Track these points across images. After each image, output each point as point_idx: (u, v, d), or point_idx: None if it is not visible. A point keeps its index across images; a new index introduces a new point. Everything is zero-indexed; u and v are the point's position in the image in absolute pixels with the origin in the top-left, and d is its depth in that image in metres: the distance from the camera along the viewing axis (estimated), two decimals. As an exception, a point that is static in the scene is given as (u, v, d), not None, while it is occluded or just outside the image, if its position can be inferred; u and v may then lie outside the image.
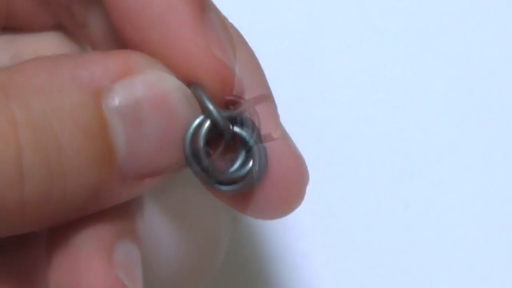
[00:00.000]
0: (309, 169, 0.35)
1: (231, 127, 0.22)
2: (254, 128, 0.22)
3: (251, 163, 0.22)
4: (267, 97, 0.23)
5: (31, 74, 0.20)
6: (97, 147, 0.20)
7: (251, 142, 0.22)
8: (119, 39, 0.22)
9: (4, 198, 0.20)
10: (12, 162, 0.19)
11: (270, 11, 0.37)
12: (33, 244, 0.25)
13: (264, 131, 0.22)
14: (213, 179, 0.22)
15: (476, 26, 0.37)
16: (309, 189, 0.35)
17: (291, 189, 0.23)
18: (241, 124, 0.22)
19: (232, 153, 0.22)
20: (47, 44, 0.26)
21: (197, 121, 0.21)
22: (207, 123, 0.21)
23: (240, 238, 0.34)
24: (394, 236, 0.35)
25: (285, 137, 0.23)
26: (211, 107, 0.21)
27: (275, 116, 0.23)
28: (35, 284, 0.25)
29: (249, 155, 0.22)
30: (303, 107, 0.36)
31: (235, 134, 0.22)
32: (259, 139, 0.22)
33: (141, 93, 0.21)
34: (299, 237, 0.34)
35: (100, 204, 0.21)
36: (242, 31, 0.36)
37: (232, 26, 0.24)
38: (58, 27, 0.26)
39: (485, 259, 0.35)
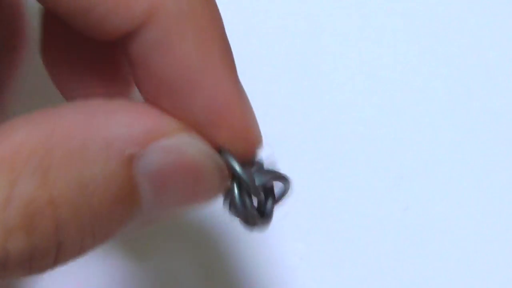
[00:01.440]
0: (309, 170, 0.35)
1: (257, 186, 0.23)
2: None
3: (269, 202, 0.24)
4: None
5: (65, 141, 0.21)
6: (125, 209, 0.21)
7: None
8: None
9: (40, 263, 0.20)
10: (50, 238, 0.20)
11: (269, 12, 0.37)
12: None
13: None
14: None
15: (475, 27, 0.37)
16: (309, 190, 0.35)
17: (244, 153, 0.23)
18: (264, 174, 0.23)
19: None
20: None
21: (235, 191, 0.23)
22: (237, 192, 0.23)
23: (237, 239, 0.34)
24: (394, 238, 0.35)
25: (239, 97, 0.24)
26: (244, 177, 0.23)
27: (234, 74, 0.24)
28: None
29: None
30: (302, 109, 0.36)
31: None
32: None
33: (172, 160, 0.21)
34: (298, 238, 0.34)
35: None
36: (242, 33, 0.36)
37: None
38: None
39: (485, 260, 0.35)
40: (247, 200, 0.23)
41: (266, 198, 0.24)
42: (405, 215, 0.35)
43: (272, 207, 0.24)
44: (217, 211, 0.34)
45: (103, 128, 0.21)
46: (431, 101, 0.36)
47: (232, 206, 0.23)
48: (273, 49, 0.36)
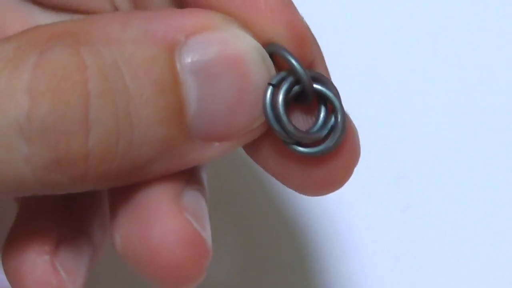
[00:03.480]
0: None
1: (316, 86, 0.21)
2: (335, 89, 0.21)
3: (331, 123, 0.21)
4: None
5: (104, 24, 0.20)
6: (167, 102, 0.20)
7: (335, 99, 0.21)
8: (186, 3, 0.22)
9: (68, 144, 0.19)
10: (78, 107, 0.19)
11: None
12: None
13: None
14: (292, 140, 0.21)
15: (476, 27, 0.37)
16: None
17: (345, 164, 0.22)
18: (322, 83, 0.21)
19: (312, 114, 0.22)
20: None
21: (279, 76, 0.21)
22: (289, 79, 0.21)
23: (238, 238, 0.34)
24: (394, 238, 0.35)
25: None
26: (295, 62, 0.20)
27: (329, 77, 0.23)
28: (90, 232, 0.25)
29: (330, 115, 0.21)
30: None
31: (317, 92, 0.21)
32: (339, 98, 0.21)
33: (216, 50, 0.20)
34: (297, 238, 0.34)
35: (165, 167, 0.21)
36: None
37: None
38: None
39: (485, 260, 0.35)
40: (281, 100, 0.21)
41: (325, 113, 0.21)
42: (405, 215, 0.35)
43: (330, 121, 0.21)
44: (215, 214, 0.34)
45: (144, 17, 0.20)
46: (432, 100, 0.36)
47: (264, 106, 0.21)
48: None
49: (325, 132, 0.21)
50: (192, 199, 0.22)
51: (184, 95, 0.20)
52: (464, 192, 0.35)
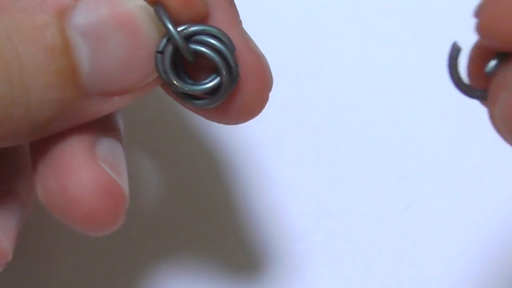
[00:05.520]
0: (309, 169, 0.35)
1: (193, 47, 0.22)
2: (223, 42, 0.22)
3: (218, 78, 0.22)
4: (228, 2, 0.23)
5: None
6: (58, 66, 0.21)
7: (213, 56, 0.22)
8: None
9: None
10: None
11: (270, 12, 0.37)
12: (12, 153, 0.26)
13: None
14: (184, 94, 0.23)
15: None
16: (309, 190, 0.35)
17: (257, 91, 0.23)
18: (209, 35, 0.22)
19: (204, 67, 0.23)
20: None
21: (164, 40, 0.22)
22: (170, 48, 0.22)
23: (238, 239, 0.34)
24: (394, 237, 0.35)
25: (245, 39, 0.23)
26: (168, 26, 0.21)
27: (236, 20, 0.23)
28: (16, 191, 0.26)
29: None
30: (303, 108, 0.36)
31: (199, 53, 0.22)
32: (228, 49, 0.22)
33: (104, 12, 0.21)
34: (298, 238, 0.34)
35: (69, 122, 0.22)
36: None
37: None
38: None
39: (485, 260, 0.35)
40: (167, 61, 0.22)
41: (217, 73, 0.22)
42: (405, 215, 0.35)
43: (211, 84, 0.22)
44: (211, 212, 0.34)
45: None
46: (432, 100, 0.36)
47: (156, 67, 0.22)
48: (273, 49, 0.36)
49: (210, 85, 0.22)
50: (107, 146, 0.23)
51: (76, 57, 0.21)
52: (464, 192, 0.35)
